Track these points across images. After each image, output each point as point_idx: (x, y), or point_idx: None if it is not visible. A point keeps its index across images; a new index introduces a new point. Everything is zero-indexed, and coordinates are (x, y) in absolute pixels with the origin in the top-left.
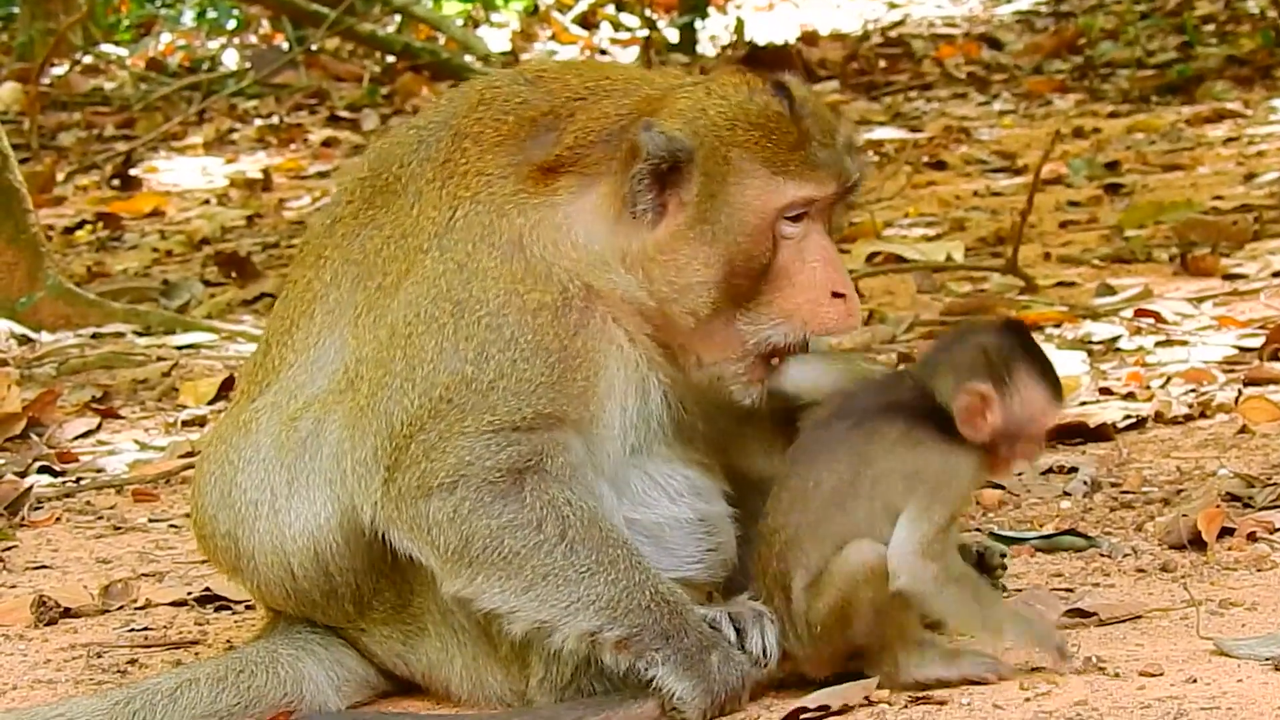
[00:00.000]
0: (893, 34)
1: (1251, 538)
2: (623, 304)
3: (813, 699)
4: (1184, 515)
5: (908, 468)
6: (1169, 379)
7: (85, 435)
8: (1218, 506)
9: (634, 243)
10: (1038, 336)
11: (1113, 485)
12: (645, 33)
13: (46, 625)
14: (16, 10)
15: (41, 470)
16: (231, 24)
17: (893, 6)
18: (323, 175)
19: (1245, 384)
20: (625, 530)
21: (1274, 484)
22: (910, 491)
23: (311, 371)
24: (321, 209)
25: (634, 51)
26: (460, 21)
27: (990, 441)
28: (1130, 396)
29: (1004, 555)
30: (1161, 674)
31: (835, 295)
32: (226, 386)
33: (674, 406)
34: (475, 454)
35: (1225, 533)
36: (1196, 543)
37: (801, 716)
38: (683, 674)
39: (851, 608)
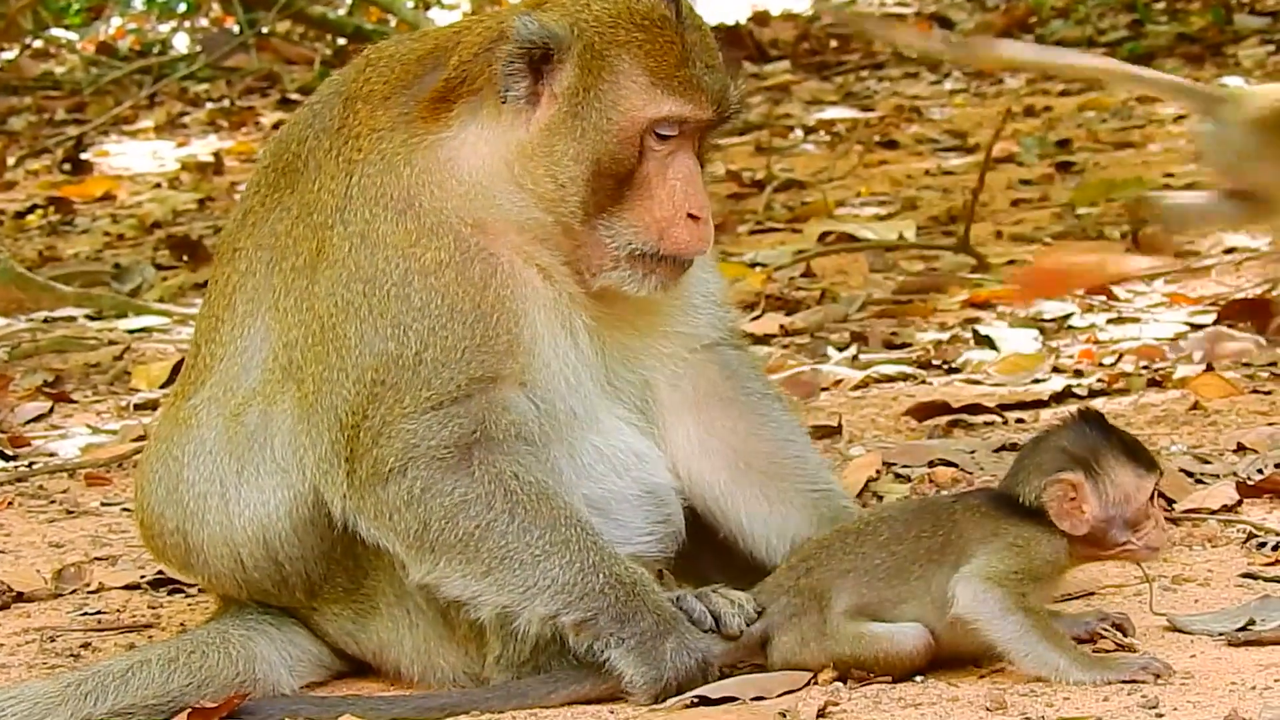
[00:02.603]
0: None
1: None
2: (522, 233)
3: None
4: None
5: (985, 531)
6: (1120, 356)
7: (37, 419)
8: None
9: (513, 145)
10: (990, 315)
11: None
12: None
13: None
14: None
15: None
16: (182, 7)
17: None
18: None
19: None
20: (578, 505)
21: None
22: (985, 547)
23: (243, 363)
24: (234, 209)
25: None
26: (411, 3)
27: (1095, 531)
28: (1081, 374)
29: None
30: (1115, 650)
31: (691, 217)
32: (179, 370)
33: (603, 353)
34: (420, 434)
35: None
36: None
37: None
38: (635, 659)
39: (856, 666)
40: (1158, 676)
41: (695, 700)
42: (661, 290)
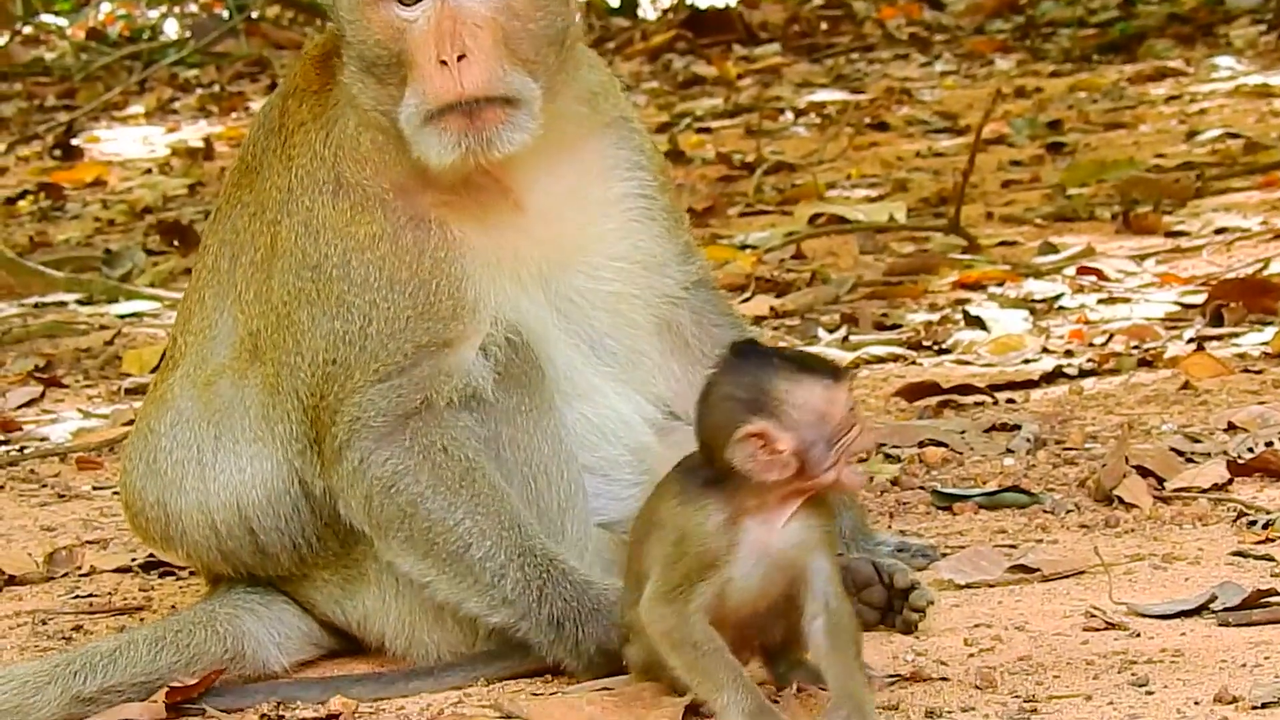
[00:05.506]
0: None
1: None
2: (438, 177)
3: None
4: (1126, 468)
5: (656, 526)
6: (1111, 336)
7: (29, 404)
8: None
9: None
10: (981, 296)
11: (1056, 442)
12: None
13: None
14: None
15: None
16: None
17: None
18: None
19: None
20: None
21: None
22: (655, 543)
23: (213, 346)
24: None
25: None
26: None
27: (803, 466)
28: (1071, 354)
29: (930, 602)
30: (1106, 629)
31: (441, 62)
32: None
33: (566, 301)
34: (363, 407)
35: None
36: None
37: None
38: (560, 652)
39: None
40: None
41: None
42: (474, 150)
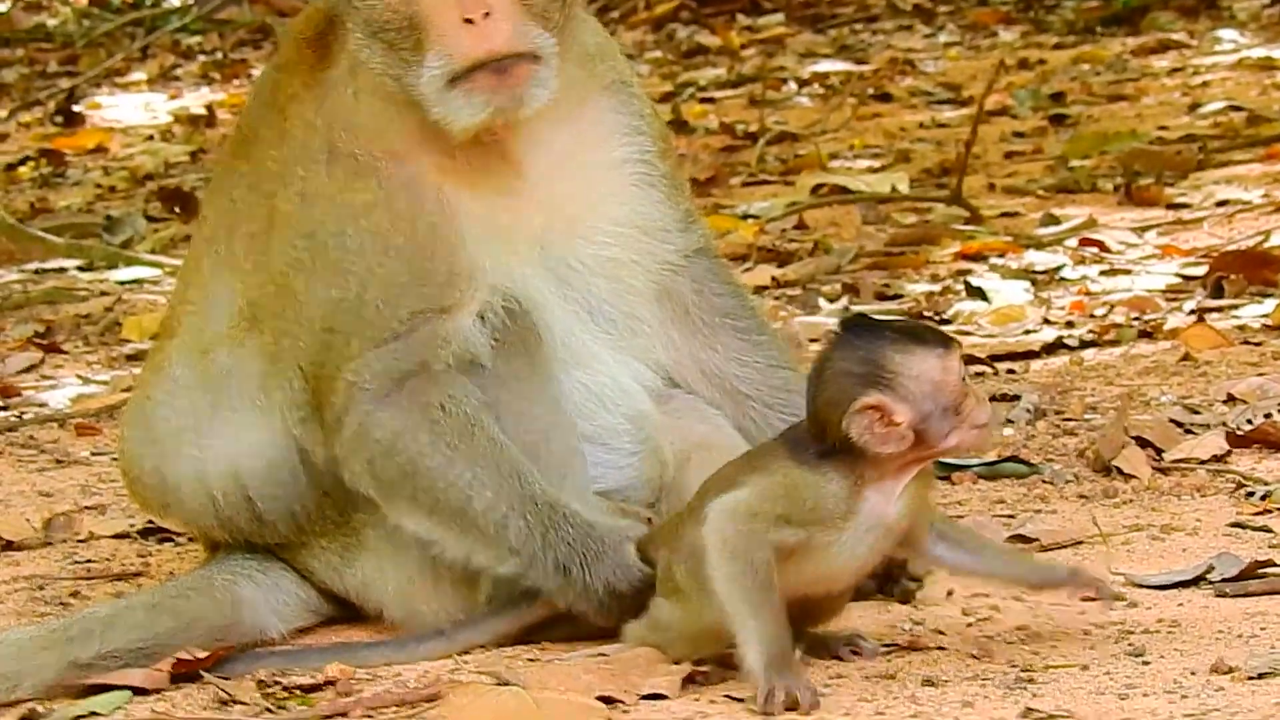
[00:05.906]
0: None
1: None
2: (434, 142)
3: None
4: (1125, 438)
5: (762, 465)
6: (1111, 307)
7: (28, 370)
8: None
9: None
10: (981, 267)
11: (1055, 413)
12: None
13: None
14: None
15: None
16: None
17: None
18: None
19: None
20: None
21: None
22: (759, 477)
23: (210, 314)
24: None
25: None
26: None
27: (921, 433)
28: (1072, 325)
29: (928, 571)
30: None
31: (467, 21)
32: None
33: (562, 265)
34: (359, 372)
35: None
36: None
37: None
38: (574, 599)
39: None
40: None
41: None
42: (505, 108)
